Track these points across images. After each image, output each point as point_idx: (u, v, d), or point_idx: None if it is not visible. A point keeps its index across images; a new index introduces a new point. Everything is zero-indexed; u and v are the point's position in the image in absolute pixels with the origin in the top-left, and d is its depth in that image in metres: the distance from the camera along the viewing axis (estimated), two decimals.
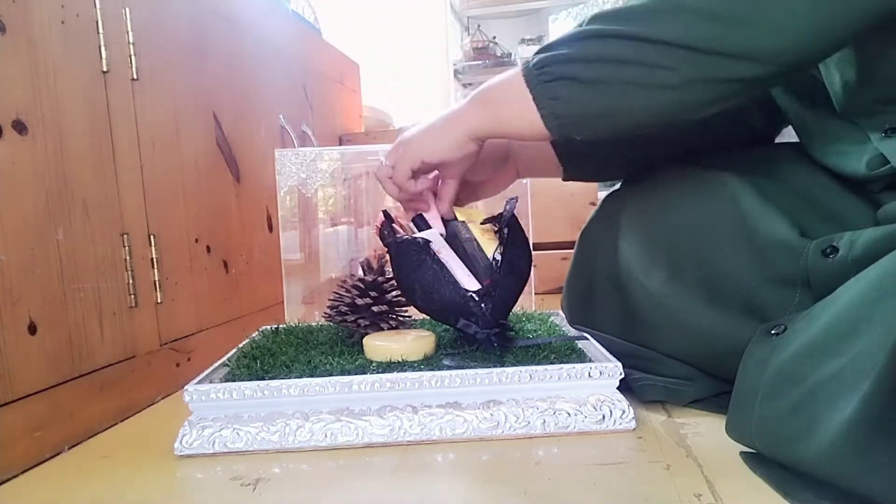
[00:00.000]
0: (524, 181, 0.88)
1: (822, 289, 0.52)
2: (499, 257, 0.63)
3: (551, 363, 0.61)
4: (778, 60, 0.49)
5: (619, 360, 0.61)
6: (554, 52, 0.54)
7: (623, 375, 0.61)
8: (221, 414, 0.60)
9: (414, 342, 0.66)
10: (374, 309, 0.72)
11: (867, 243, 0.50)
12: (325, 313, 0.76)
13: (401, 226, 0.70)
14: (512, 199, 0.65)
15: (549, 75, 0.53)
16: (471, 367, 0.61)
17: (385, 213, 0.69)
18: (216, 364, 0.67)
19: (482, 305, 0.63)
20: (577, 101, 0.53)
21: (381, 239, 0.68)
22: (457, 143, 0.60)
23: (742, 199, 0.61)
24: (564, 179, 0.77)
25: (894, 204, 0.54)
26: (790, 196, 0.60)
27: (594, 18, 0.53)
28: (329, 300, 0.76)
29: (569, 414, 0.60)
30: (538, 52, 0.56)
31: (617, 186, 0.77)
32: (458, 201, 0.71)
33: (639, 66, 0.50)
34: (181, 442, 0.59)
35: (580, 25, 0.54)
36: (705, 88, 0.51)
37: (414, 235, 0.66)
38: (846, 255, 0.51)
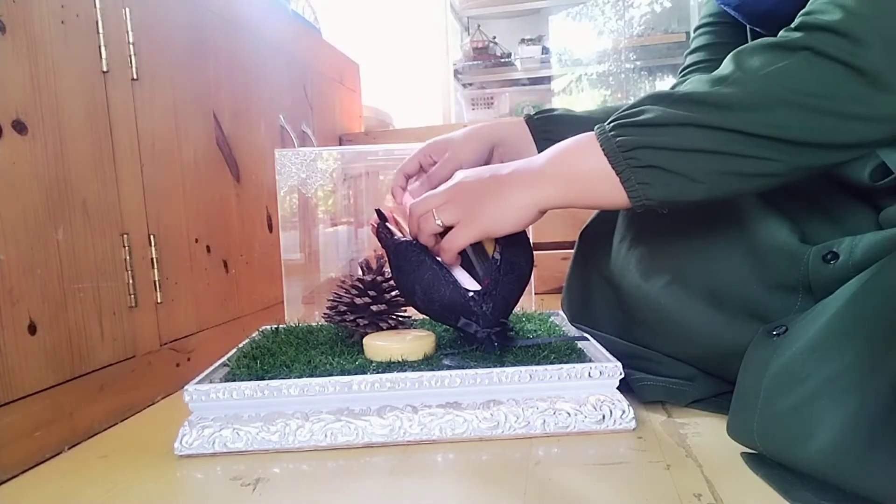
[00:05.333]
0: None
1: (823, 294, 0.52)
2: (498, 256, 0.63)
3: (551, 363, 0.61)
4: (883, 142, 0.49)
5: (619, 360, 0.61)
6: (641, 135, 0.50)
7: (623, 375, 0.61)
8: (221, 414, 0.60)
9: (414, 342, 0.66)
10: (373, 308, 0.72)
11: (868, 248, 0.50)
12: (325, 313, 0.76)
13: (396, 223, 0.69)
14: None
15: (638, 161, 0.50)
16: (471, 367, 0.61)
17: (378, 211, 0.68)
18: (216, 364, 0.67)
19: (483, 305, 0.63)
20: (672, 188, 0.50)
21: (380, 240, 0.67)
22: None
23: (743, 202, 0.61)
24: None
25: None
26: (792, 199, 0.60)
27: (679, 100, 0.50)
28: (328, 300, 0.76)
29: (569, 414, 0.60)
30: (619, 125, 0.51)
31: None
32: None
33: (743, 158, 0.48)
34: (181, 442, 0.59)
35: (661, 103, 0.50)
36: (807, 172, 0.50)
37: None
38: (847, 260, 0.51)
